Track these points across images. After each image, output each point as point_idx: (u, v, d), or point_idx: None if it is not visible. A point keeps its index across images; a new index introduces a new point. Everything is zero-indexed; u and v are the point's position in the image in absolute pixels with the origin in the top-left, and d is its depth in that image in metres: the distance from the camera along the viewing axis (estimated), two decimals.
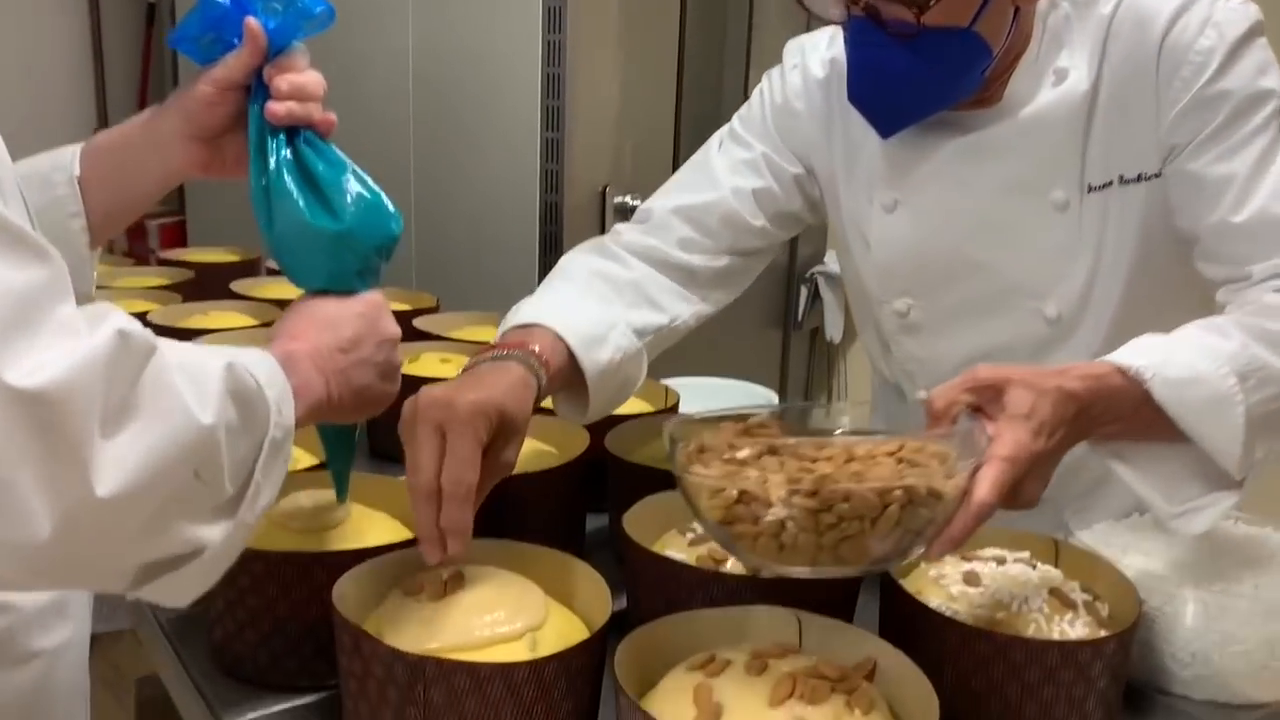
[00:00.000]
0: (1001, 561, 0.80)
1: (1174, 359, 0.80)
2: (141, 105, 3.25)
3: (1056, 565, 0.83)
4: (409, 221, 2.46)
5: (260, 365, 0.66)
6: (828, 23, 1.02)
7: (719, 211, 1.11)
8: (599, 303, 1.02)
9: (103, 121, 3.23)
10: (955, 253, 1.07)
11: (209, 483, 0.61)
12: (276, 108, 0.80)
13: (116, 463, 0.55)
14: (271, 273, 1.80)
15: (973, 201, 1.05)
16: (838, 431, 0.81)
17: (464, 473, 0.75)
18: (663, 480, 0.96)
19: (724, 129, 1.19)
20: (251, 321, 1.47)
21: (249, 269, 1.84)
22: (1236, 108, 0.93)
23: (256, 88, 0.82)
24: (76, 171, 0.88)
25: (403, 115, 2.39)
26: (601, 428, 1.06)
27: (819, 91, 1.12)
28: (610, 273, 1.07)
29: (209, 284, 1.70)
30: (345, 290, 0.80)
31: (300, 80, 0.82)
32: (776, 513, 0.66)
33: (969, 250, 1.06)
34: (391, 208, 0.83)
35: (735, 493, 0.67)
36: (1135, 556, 0.86)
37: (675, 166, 2.45)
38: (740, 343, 2.60)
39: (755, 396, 1.38)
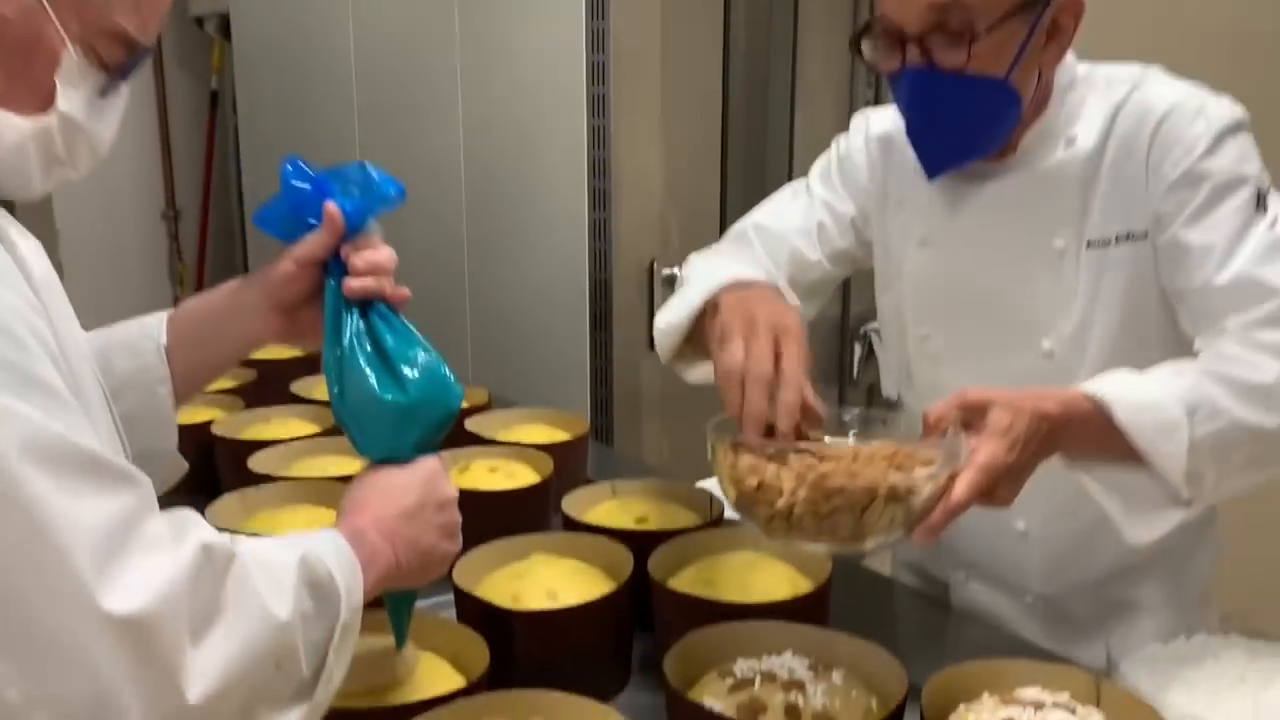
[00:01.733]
0: (1040, 706, 0.81)
1: (1135, 389, 0.97)
2: (206, 186, 3.37)
3: (1099, 705, 0.83)
4: (464, 308, 2.51)
5: (331, 552, 0.72)
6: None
7: (786, 247, 1.31)
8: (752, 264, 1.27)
9: (170, 203, 3.35)
10: (971, 287, 1.21)
11: (288, 670, 0.67)
12: (353, 284, 0.87)
13: (204, 669, 0.61)
14: None
15: (988, 243, 1.19)
16: (852, 433, 1.02)
17: (800, 369, 0.99)
18: (706, 612, 0.97)
19: (798, 181, 1.38)
20: (313, 429, 1.51)
21: (310, 365, 1.89)
22: (1217, 187, 1.05)
23: (334, 264, 0.89)
24: (163, 340, 0.96)
25: (456, 208, 2.46)
26: (646, 546, 1.08)
27: (878, 149, 1.28)
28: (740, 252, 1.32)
29: (271, 382, 1.75)
30: (403, 460, 0.85)
31: (375, 258, 0.89)
32: (786, 500, 0.86)
33: (982, 285, 1.20)
34: (454, 381, 0.89)
35: (755, 482, 0.87)
36: (1178, 693, 0.86)
37: (721, 235, 2.49)
38: None
39: None
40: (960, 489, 0.87)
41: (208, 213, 3.38)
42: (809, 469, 0.85)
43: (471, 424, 1.50)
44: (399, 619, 0.90)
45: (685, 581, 1.06)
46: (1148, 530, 0.98)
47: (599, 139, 2.18)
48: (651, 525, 1.19)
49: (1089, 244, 1.13)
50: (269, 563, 0.68)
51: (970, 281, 1.20)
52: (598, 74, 2.15)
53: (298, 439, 1.45)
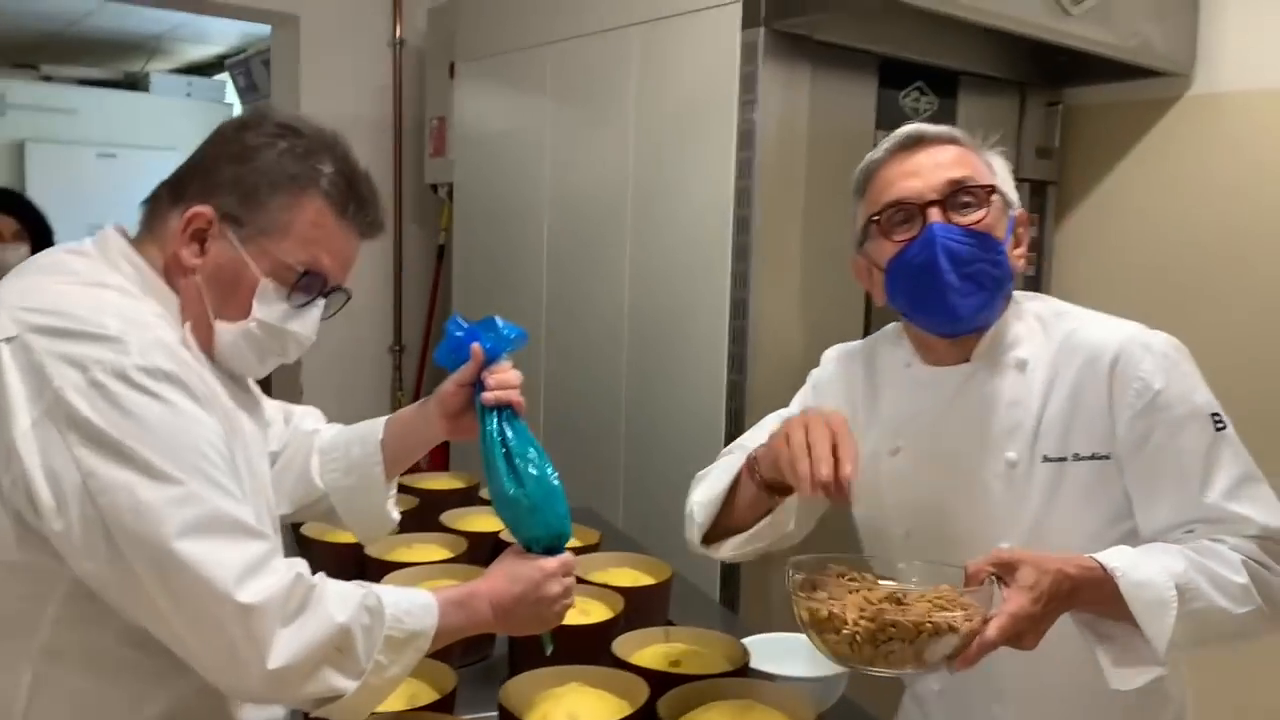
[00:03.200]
0: None
1: (1139, 566, 1.15)
2: (428, 325, 3.86)
3: None
4: (619, 454, 2.79)
5: (398, 595, 1.12)
6: None
7: None
8: None
9: (397, 339, 3.86)
10: (938, 492, 1.37)
11: (348, 655, 1.05)
12: (487, 396, 1.30)
13: (283, 649, 1.01)
14: (483, 502, 2.16)
15: (947, 452, 1.35)
16: (914, 580, 1.21)
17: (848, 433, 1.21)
18: None
19: (784, 410, 1.55)
20: (444, 554, 1.81)
21: (468, 496, 2.20)
22: (1175, 419, 1.24)
23: (479, 386, 1.32)
24: (380, 436, 1.44)
25: (617, 363, 2.76)
26: (669, 686, 1.28)
27: (843, 378, 1.51)
28: None
29: (428, 511, 2.06)
30: (528, 538, 1.25)
31: (504, 378, 1.32)
32: (850, 629, 1.08)
33: (944, 490, 1.36)
34: (562, 494, 1.26)
35: (826, 612, 1.10)
36: None
37: None
38: None
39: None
40: (993, 629, 1.08)
41: (427, 349, 3.86)
42: (869, 605, 1.09)
43: None
44: (545, 642, 1.30)
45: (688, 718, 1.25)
46: (1129, 681, 1.15)
47: (740, 310, 2.43)
48: (682, 669, 1.38)
49: (1045, 458, 1.28)
50: (342, 591, 1.07)
51: (936, 486, 1.37)
52: (741, 252, 2.41)
53: (430, 563, 1.74)
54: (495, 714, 1.27)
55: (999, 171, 1.35)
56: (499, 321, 1.35)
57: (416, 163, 3.74)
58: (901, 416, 1.41)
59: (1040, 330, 1.34)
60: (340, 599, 1.06)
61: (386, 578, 1.63)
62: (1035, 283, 2.98)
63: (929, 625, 1.07)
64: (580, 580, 1.67)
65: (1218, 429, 1.25)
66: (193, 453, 1.03)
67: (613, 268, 2.77)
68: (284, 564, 1.05)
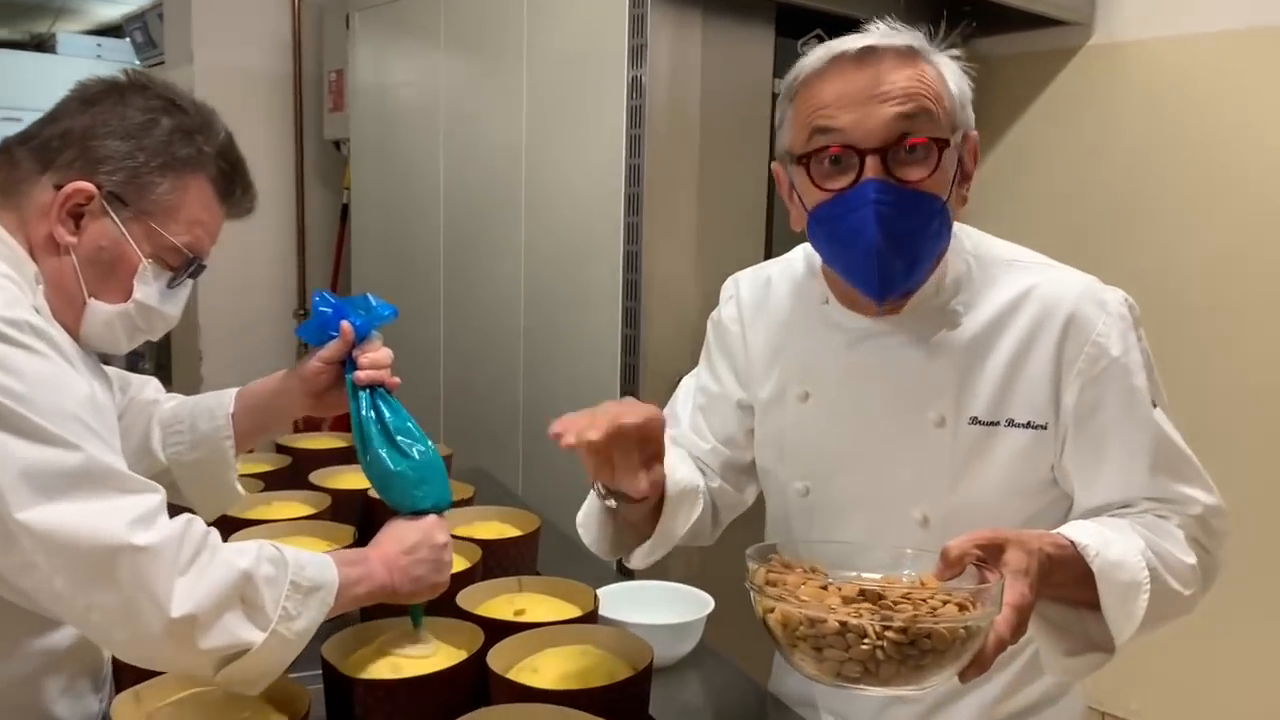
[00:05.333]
0: None
1: (1111, 544, 1.04)
2: (334, 286, 3.76)
3: None
4: (517, 413, 2.73)
5: (298, 551, 1.06)
6: None
7: (685, 439, 1.38)
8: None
9: (301, 303, 3.75)
10: (847, 445, 1.24)
11: (252, 604, 0.99)
12: (360, 375, 1.26)
13: (184, 596, 0.94)
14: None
15: (864, 403, 1.23)
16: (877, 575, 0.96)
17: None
18: (518, 693, 1.11)
19: (692, 373, 1.45)
20: (303, 511, 1.73)
21: (344, 455, 2.12)
22: (1127, 389, 1.14)
23: (349, 363, 1.28)
24: (231, 409, 1.38)
25: (514, 327, 2.70)
26: (502, 636, 1.23)
27: (752, 313, 1.34)
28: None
29: (301, 471, 1.98)
30: (413, 510, 1.21)
31: (375, 356, 1.27)
32: (871, 642, 0.83)
33: (857, 445, 1.23)
34: (444, 476, 1.24)
35: (837, 625, 0.83)
36: None
37: None
38: None
39: (680, 595, 1.50)
40: (1005, 628, 0.89)
41: None
42: (886, 611, 0.84)
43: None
44: (414, 615, 1.24)
45: (518, 667, 1.19)
46: (1076, 671, 1.06)
47: (633, 264, 2.37)
48: (525, 618, 1.33)
49: (974, 420, 1.17)
50: (238, 544, 1.02)
51: (847, 439, 1.23)
52: (633, 205, 2.36)
53: (281, 520, 1.66)
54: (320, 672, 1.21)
55: (954, 87, 1.12)
56: (372, 299, 1.31)
57: (317, 119, 3.63)
58: (810, 358, 1.26)
59: (980, 274, 1.19)
60: (238, 549, 1.01)
61: (236, 535, 1.56)
62: None
63: (963, 632, 0.84)
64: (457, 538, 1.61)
65: (1154, 403, 1.16)
66: (71, 405, 0.98)
67: (508, 224, 2.70)
68: (175, 515, 0.99)
